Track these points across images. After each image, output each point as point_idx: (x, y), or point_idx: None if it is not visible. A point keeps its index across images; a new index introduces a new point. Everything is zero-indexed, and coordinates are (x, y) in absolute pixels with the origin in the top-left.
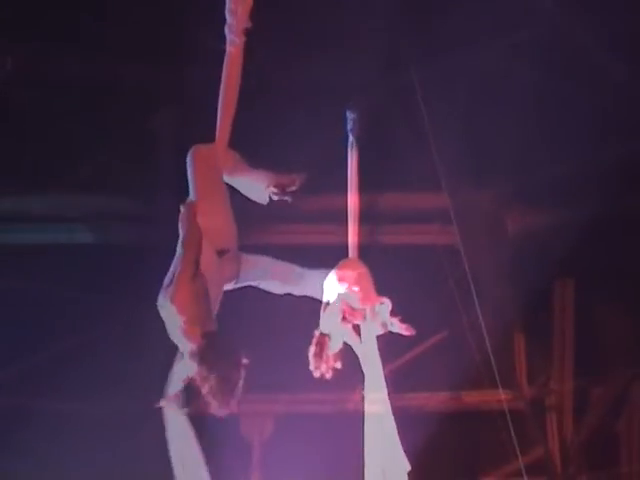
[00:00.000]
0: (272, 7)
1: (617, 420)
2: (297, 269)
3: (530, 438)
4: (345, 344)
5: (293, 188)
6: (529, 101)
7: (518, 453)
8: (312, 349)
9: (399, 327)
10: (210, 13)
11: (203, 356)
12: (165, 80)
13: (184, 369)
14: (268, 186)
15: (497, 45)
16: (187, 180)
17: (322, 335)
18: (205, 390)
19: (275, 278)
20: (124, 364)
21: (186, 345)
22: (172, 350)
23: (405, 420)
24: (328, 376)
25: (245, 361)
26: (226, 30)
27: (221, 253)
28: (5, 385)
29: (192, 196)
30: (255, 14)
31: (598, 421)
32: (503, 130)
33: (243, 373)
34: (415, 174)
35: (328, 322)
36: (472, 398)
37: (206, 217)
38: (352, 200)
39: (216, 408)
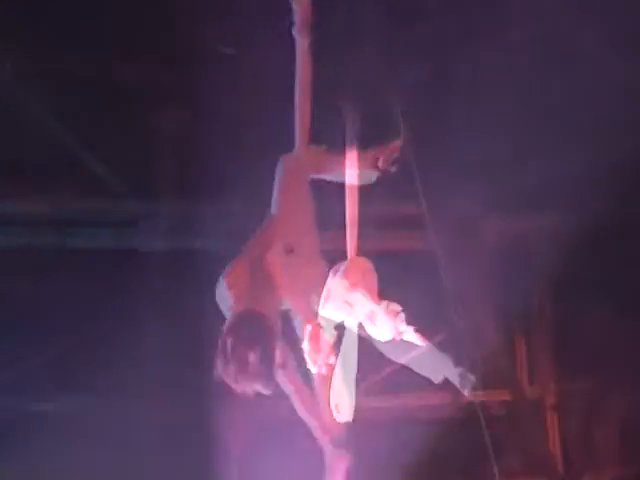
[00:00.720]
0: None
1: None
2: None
3: (531, 438)
4: None
5: (396, 155)
6: (514, 103)
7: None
8: (307, 343)
9: (413, 336)
10: (212, 13)
11: (236, 328)
12: (166, 80)
13: None
14: (368, 166)
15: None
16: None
17: (316, 327)
18: (240, 367)
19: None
20: (124, 365)
21: None
22: (172, 351)
23: (405, 420)
24: (324, 371)
25: (281, 343)
26: (293, 32)
27: (287, 249)
28: (6, 385)
29: (275, 204)
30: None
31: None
32: (484, 133)
33: (280, 352)
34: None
35: (329, 318)
36: (472, 398)
37: (284, 219)
38: (350, 196)
39: (255, 387)
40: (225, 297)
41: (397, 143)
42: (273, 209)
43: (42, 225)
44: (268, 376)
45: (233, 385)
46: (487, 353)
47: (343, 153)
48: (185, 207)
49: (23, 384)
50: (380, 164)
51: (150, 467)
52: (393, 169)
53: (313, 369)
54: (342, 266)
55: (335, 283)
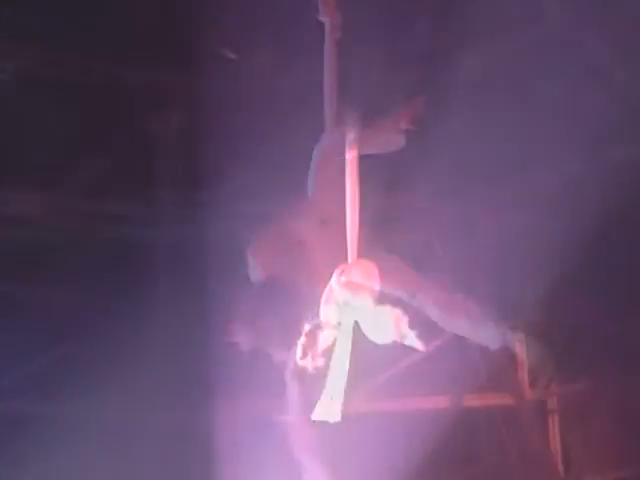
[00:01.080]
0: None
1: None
2: (459, 297)
3: (531, 440)
4: None
5: (419, 113)
6: (518, 102)
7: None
8: (304, 338)
9: (414, 341)
10: (213, 15)
11: (251, 295)
12: (166, 83)
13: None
14: (395, 131)
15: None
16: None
17: (315, 328)
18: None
19: (428, 301)
20: (124, 368)
21: None
22: (172, 353)
23: (408, 423)
24: (310, 369)
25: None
26: (319, 17)
27: (323, 222)
28: (6, 386)
29: (310, 187)
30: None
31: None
32: (485, 133)
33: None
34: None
35: (329, 318)
36: (473, 401)
37: (319, 200)
38: (351, 199)
39: (272, 349)
40: (253, 267)
41: (418, 101)
42: (309, 192)
43: (42, 222)
44: (279, 343)
45: (243, 346)
46: (487, 354)
47: (370, 127)
48: (185, 199)
49: (23, 385)
50: (403, 124)
51: (150, 468)
52: (416, 128)
53: (301, 362)
54: (345, 267)
55: (337, 284)
